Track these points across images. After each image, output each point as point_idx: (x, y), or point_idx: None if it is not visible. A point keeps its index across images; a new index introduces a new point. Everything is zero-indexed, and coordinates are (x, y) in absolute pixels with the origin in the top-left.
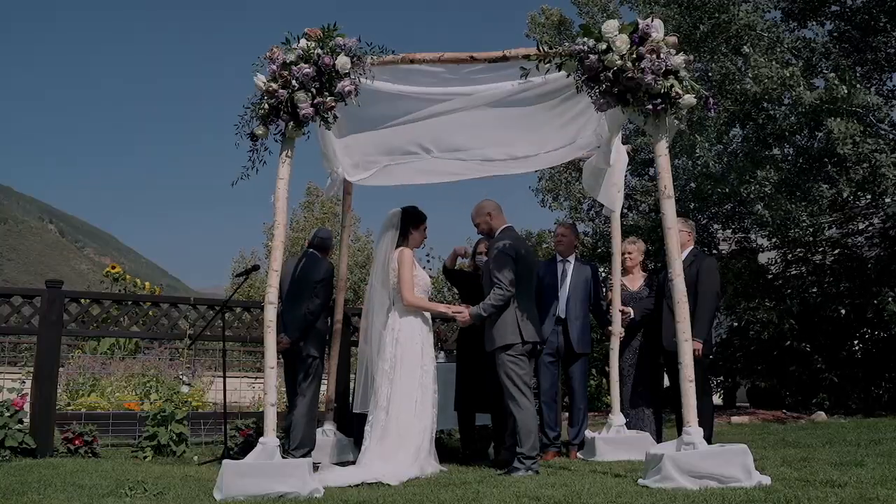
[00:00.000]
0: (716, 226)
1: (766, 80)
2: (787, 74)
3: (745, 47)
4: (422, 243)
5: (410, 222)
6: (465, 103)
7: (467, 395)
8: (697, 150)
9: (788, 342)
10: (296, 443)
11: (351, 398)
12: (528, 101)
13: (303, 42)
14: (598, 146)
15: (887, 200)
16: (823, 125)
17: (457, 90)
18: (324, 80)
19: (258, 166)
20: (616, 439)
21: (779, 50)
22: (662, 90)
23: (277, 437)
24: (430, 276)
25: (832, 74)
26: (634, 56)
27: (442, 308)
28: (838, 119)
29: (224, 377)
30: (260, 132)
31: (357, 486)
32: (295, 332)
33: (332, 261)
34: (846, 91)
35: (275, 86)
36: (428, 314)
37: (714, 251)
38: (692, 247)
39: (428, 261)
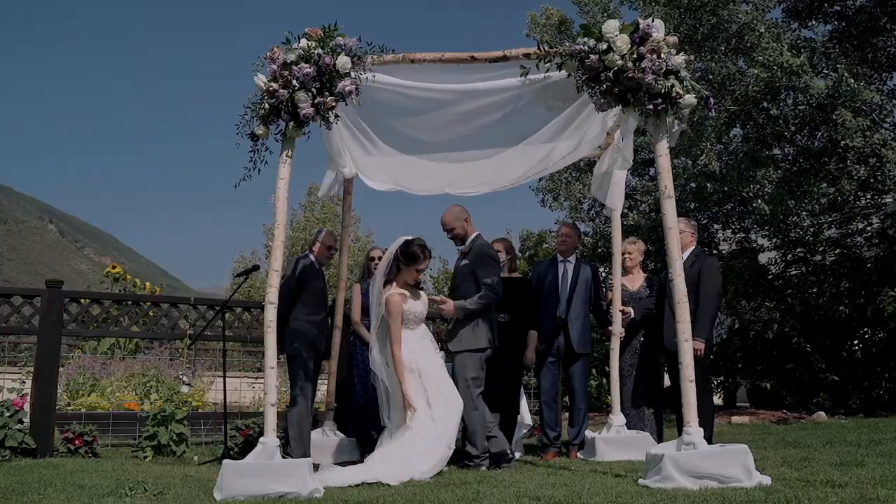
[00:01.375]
0: (716, 226)
1: (775, 68)
2: (798, 63)
3: (760, 26)
4: (415, 280)
5: (401, 259)
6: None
7: None
8: (695, 148)
9: (792, 340)
10: (290, 445)
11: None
12: (540, 116)
13: (303, 42)
14: (600, 146)
15: (887, 200)
16: (831, 119)
17: (460, 87)
18: (324, 80)
19: (259, 166)
20: (616, 439)
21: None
22: (663, 90)
23: (277, 437)
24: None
25: (841, 66)
26: (635, 56)
27: (406, 385)
28: (848, 112)
29: (224, 377)
30: (260, 132)
31: (357, 486)
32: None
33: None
34: (854, 84)
35: (275, 86)
36: (420, 330)
37: (714, 251)
38: (694, 247)
39: None
